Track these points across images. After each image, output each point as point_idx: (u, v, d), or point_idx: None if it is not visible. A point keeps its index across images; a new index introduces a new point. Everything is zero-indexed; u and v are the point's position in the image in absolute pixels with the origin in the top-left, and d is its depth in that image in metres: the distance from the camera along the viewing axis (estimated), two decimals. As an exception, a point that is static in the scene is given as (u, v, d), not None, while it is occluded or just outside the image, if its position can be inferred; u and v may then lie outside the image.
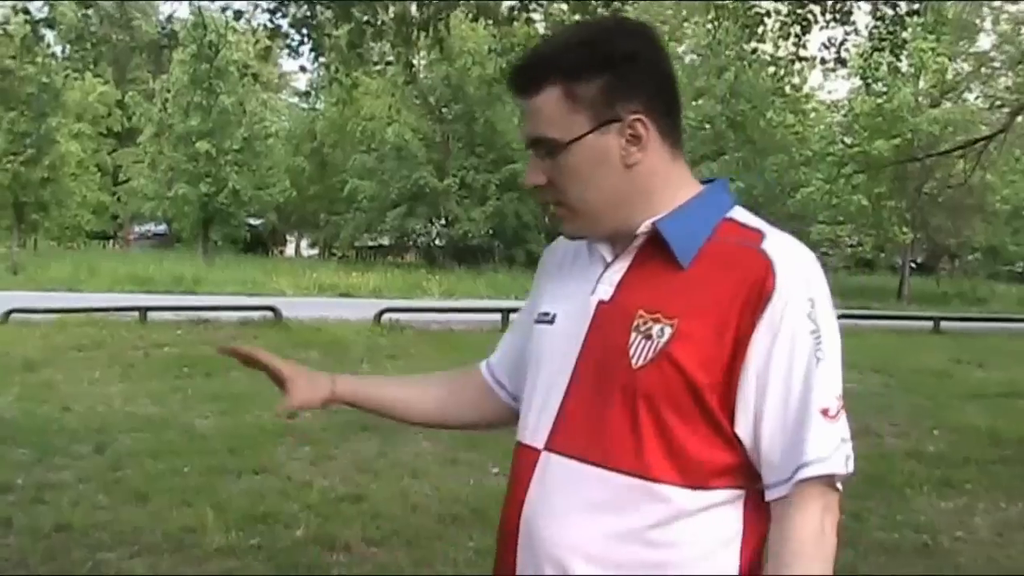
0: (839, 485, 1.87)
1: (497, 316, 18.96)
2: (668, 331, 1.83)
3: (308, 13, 10.39)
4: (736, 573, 1.87)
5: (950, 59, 42.30)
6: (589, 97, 1.88)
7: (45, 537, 6.64)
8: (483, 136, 48.34)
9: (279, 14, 10.65)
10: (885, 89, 35.32)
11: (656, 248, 1.92)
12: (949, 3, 22.49)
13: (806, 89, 46.40)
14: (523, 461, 1.96)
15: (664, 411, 1.82)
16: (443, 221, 49.36)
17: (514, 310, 7.79)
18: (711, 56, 41.30)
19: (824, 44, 13.14)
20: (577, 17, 11.51)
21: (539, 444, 1.93)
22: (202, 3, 12.59)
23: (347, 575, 6.14)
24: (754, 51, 14.21)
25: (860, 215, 40.21)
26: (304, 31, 10.55)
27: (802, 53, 13.27)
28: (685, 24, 47.46)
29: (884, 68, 15.30)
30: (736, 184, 39.58)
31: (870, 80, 26.66)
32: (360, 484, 8.25)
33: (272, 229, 63.03)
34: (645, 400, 1.82)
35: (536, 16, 12.33)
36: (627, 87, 1.91)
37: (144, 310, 20.45)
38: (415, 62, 10.59)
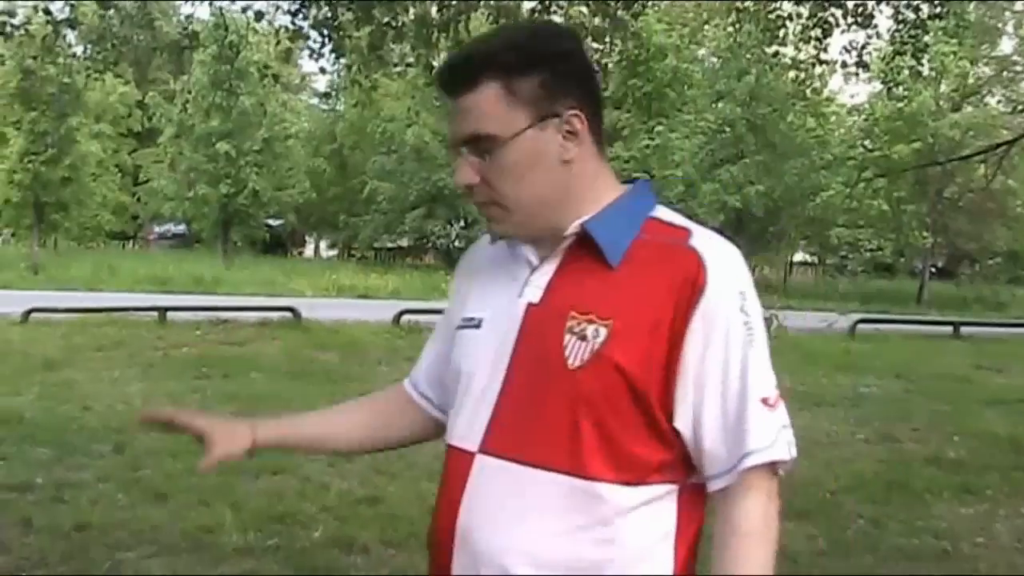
0: (781, 472, 1.93)
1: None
2: (603, 332, 1.86)
3: (329, 14, 10.41)
4: (672, 567, 1.91)
5: (972, 63, 42.18)
6: (528, 93, 1.91)
7: (65, 536, 6.65)
8: (503, 139, 48.31)
9: (300, 15, 10.68)
10: (906, 93, 35.23)
11: (584, 249, 1.94)
12: (972, 6, 22.37)
13: (827, 93, 46.32)
14: (456, 464, 1.96)
15: (601, 410, 1.85)
16: (462, 223, 49.33)
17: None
18: (732, 59, 41.24)
19: (845, 48, 13.10)
20: (597, 20, 11.52)
21: (473, 447, 1.93)
22: (223, 4, 12.62)
23: (365, 576, 6.15)
24: (775, 54, 14.17)
25: (880, 219, 40.16)
26: (325, 32, 10.58)
27: (823, 57, 13.24)
28: (706, 27, 47.37)
29: (905, 72, 15.22)
30: (756, 187, 39.56)
31: (891, 84, 26.61)
32: (378, 486, 8.25)
33: (291, 230, 63.11)
34: (582, 400, 1.85)
35: (556, 18, 12.33)
36: (563, 83, 1.94)
37: (163, 310, 20.48)
38: (435, 64, 10.59)
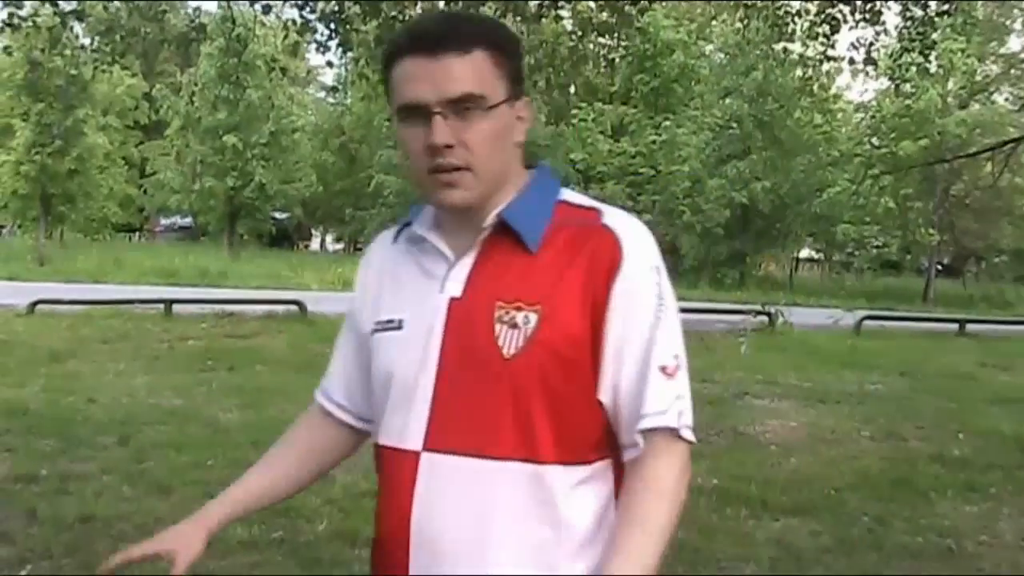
0: (687, 437, 1.94)
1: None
2: (534, 317, 1.89)
3: (336, 8, 10.42)
4: (609, 539, 1.93)
5: (979, 60, 42.13)
6: (508, 70, 1.98)
7: (69, 528, 6.66)
8: (509, 133, 48.28)
9: (308, 9, 10.68)
10: (913, 90, 35.20)
11: (501, 238, 1.98)
12: (979, 4, 22.33)
13: (834, 89, 46.32)
14: (398, 465, 1.97)
15: (542, 395, 1.88)
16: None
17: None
18: (739, 55, 41.20)
19: (853, 44, 13.10)
20: (605, 15, 11.52)
21: (415, 446, 1.94)
22: (231, -3, 12.63)
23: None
24: (783, 51, 14.16)
25: (886, 216, 40.09)
26: (332, 26, 10.58)
27: (831, 53, 13.23)
28: (713, 22, 47.31)
29: (913, 69, 15.21)
30: (762, 184, 39.56)
31: (898, 81, 26.56)
32: (382, 479, 8.24)
33: (298, 223, 63.22)
34: (523, 387, 1.88)
35: (564, 13, 12.33)
36: (522, 72, 2.05)
37: (169, 303, 20.49)
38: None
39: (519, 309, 1.90)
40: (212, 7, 46.90)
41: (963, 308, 33.50)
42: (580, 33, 11.90)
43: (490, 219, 1.96)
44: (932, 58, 17.49)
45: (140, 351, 15.25)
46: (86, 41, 14.57)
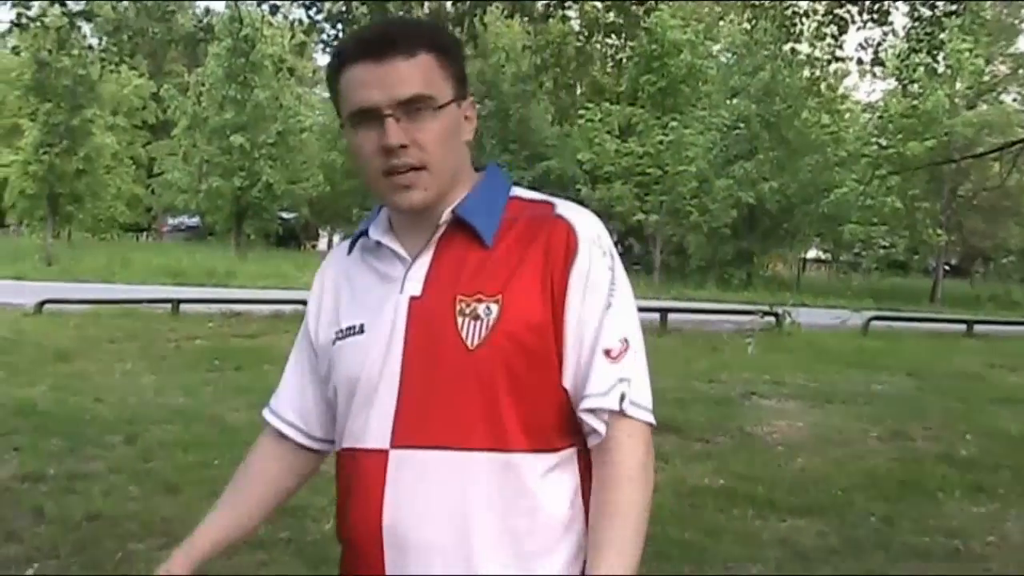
0: (635, 416, 1.95)
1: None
2: (495, 308, 1.92)
3: (343, 8, 10.42)
4: (583, 526, 1.96)
5: (987, 61, 42.07)
6: (452, 72, 2.02)
7: (76, 527, 6.67)
8: (517, 133, 48.25)
9: (314, 9, 10.69)
10: (921, 90, 35.15)
11: (456, 235, 2.01)
12: (988, 4, 22.31)
13: (841, 90, 46.22)
14: (365, 465, 1.97)
15: (508, 383, 1.91)
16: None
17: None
18: (746, 55, 41.15)
19: (861, 45, 13.08)
20: (612, 15, 11.51)
21: (382, 445, 1.94)
22: (238, -3, 12.67)
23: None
24: (791, 51, 14.15)
25: (894, 217, 40.04)
26: (339, 26, 10.58)
27: (838, 54, 13.21)
28: (721, 23, 47.25)
29: (920, 70, 15.18)
30: (769, 184, 39.55)
31: (906, 81, 26.55)
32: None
33: (305, 223, 63.22)
34: (488, 377, 1.90)
35: (571, 13, 12.34)
36: (465, 74, 2.09)
37: (176, 302, 20.53)
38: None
39: (480, 301, 1.92)
40: (220, 7, 47.02)
41: (971, 308, 33.45)
42: (587, 33, 11.89)
43: (445, 216, 1.99)
44: (940, 58, 17.48)
45: (147, 351, 15.27)
46: (94, 41, 14.58)
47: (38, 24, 10.77)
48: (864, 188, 37.28)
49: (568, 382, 1.95)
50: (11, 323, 17.82)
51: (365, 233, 2.11)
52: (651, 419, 1.95)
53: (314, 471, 2.34)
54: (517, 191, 2.11)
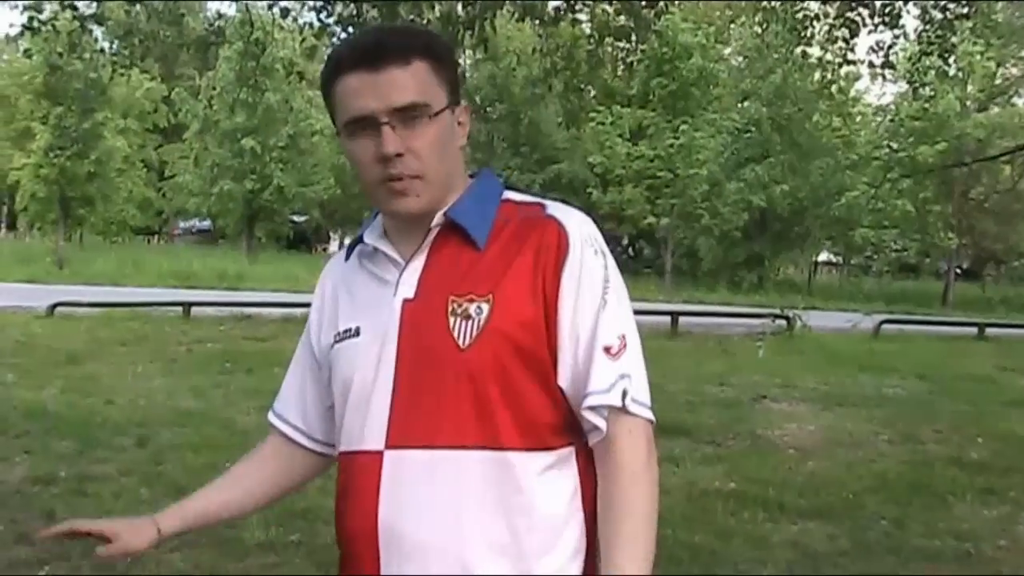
0: (636, 412, 1.96)
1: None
2: (486, 307, 1.94)
3: (354, 12, 10.42)
4: (581, 528, 1.98)
5: (999, 63, 41.98)
6: (446, 78, 2.03)
7: (87, 529, 6.67)
8: (528, 136, 48.27)
9: (325, 12, 10.69)
10: (932, 93, 35.07)
11: (449, 238, 2.02)
12: (1000, 5, 22.26)
13: (853, 93, 46.16)
14: (360, 467, 1.98)
15: (501, 381, 1.92)
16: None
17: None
18: (757, 58, 41.13)
19: (872, 48, 13.06)
20: (623, 19, 11.50)
21: (377, 446, 1.96)
22: (249, 0, 12.67)
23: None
24: (802, 54, 14.13)
25: (905, 220, 39.97)
26: (350, 29, 10.58)
27: (850, 57, 13.19)
28: (732, 26, 47.27)
29: (932, 72, 15.15)
30: (781, 187, 39.51)
31: (917, 84, 26.54)
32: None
33: (316, 226, 63.29)
34: (480, 375, 1.91)
35: (582, 16, 12.32)
36: (458, 80, 2.10)
37: (188, 305, 20.58)
38: (460, 62, 10.58)
39: (471, 301, 1.94)
40: (231, 11, 47.10)
41: (982, 312, 33.34)
42: (598, 37, 11.89)
43: (437, 219, 2.01)
44: (951, 61, 17.44)
45: (158, 353, 15.30)
46: (105, 45, 14.60)
47: (49, 28, 10.79)
48: (875, 191, 37.21)
49: (565, 381, 1.96)
50: (23, 326, 17.88)
51: (361, 239, 2.12)
52: (651, 415, 1.96)
53: (315, 474, 2.36)
54: (509, 194, 2.12)
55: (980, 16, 15.27)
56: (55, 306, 19.67)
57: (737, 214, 40.15)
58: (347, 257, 2.18)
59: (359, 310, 2.07)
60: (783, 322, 21.67)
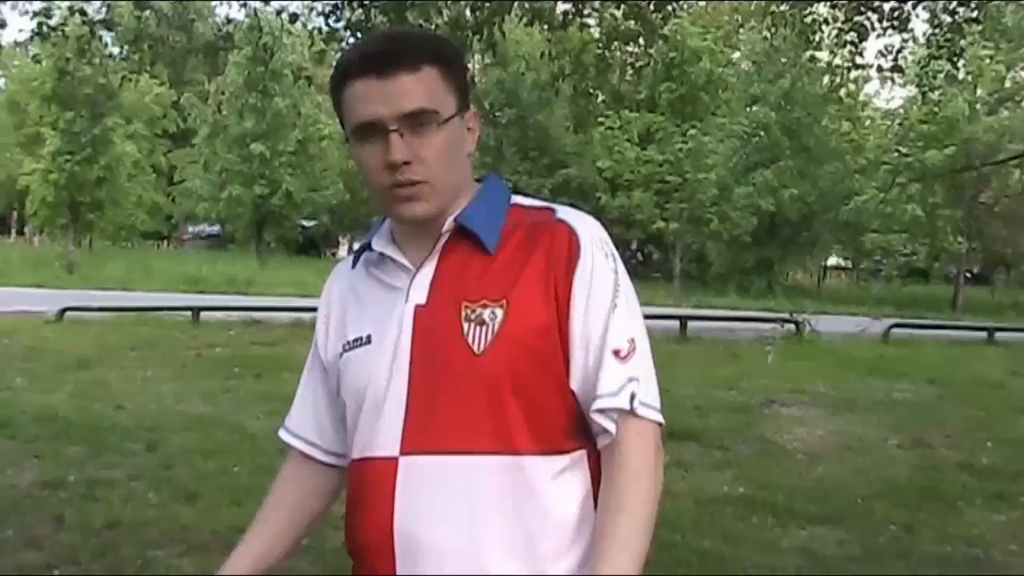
0: (644, 415, 1.95)
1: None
2: (500, 312, 1.93)
3: (363, 17, 10.42)
4: (593, 528, 1.96)
5: (1008, 67, 41.91)
6: (456, 84, 2.02)
7: (96, 534, 6.69)
8: (536, 141, 48.29)
9: (334, 18, 10.70)
10: (941, 97, 35.04)
11: (459, 244, 2.02)
12: (1009, 8, 22.26)
13: (862, 97, 46.13)
14: (375, 473, 1.98)
15: (515, 386, 1.92)
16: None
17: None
18: (766, 63, 41.11)
19: (881, 52, 13.04)
20: (632, 23, 11.50)
21: (392, 452, 1.95)
22: (257, 5, 12.70)
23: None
24: (811, 58, 14.12)
25: (914, 224, 39.88)
26: (359, 35, 10.59)
27: (858, 61, 13.17)
28: (741, 30, 47.25)
29: (941, 76, 15.15)
30: (789, 191, 39.50)
31: (926, 88, 26.54)
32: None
33: (325, 231, 63.34)
34: (495, 380, 1.91)
35: (591, 21, 12.32)
36: (467, 85, 2.10)
37: (197, 310, 20.61)
38: (469, 66, 10.58)
39: (485, 306, 1.93)
40: (241, 16, 47.18)
41: (992, 316, 33.31)
42: (606, 41, 11.89)
43: (447, 225, 2.00)
44: (960, 65, 17.43)
45: (168, 358, 15.32)
46: (115, 50, 14.64)
47: (59, 33, 10.81)
48: (884, 195, 37.19)
49: (576, 384, 1.96)
50: (33, 331, 17.90)
51: (368, 246, 2.12)
52: (660, 418, 1.96)
53: (340, 488, 2.33)
54: (517, 199, 2.12)
55: (989, 20, 15.27)
56: (64, 311, 19.70)
57: (746, 218, 40.13)
58: (353, 264, 2.17)
59: (368, 318, 2.06)
60: (792, 327, 21.65)
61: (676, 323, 21.17)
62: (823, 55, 14.38)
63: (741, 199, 39.81)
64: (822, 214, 42.28)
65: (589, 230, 2.02)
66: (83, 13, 10.63)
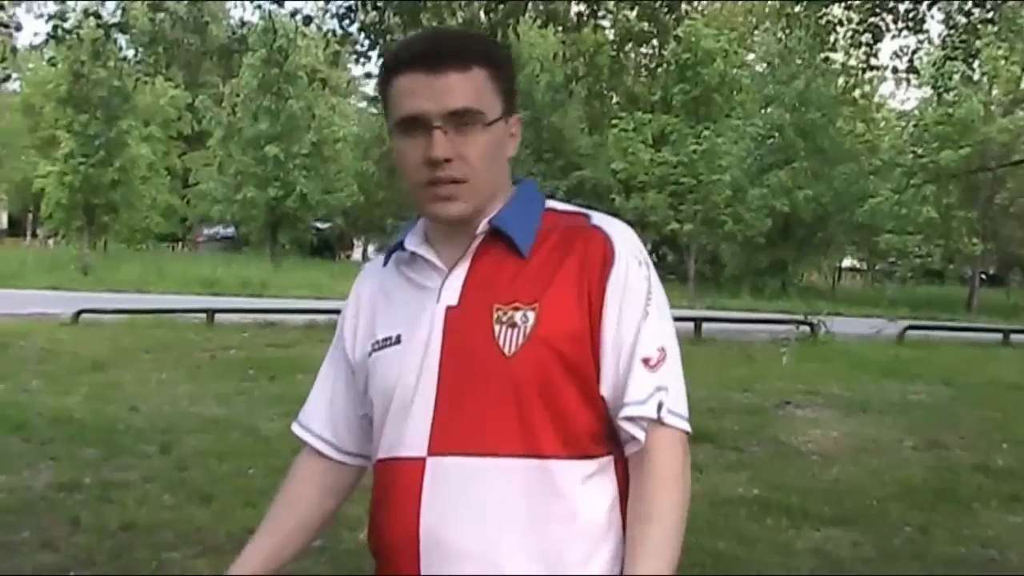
0: (672, 424, 1.96)
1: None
2: (532, 315, 1.93)
3: (377, 19, 10.43)
4: (620, 534, 1.96)
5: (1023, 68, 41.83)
6: (504, 88, 2.03)
7: (111, 535, 6.70)
8: (551, 142, 48.23)
9: (348, 20, 10.70)
10: (956, 98, 34.96)
11: (493, 246, 2.02)
12: (1024, 10, 22.21)
13: (876, 98, 46.04)
14: (402, 473, 1.97)
15: (545, 390, 1.92)
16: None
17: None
18: (781, 64, 41.05)
19: (896, 53, 13.02)
20: (645, 25, 11.49)
21: (420, 453, 1.94)
22: (271, 7, 12.71)
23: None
24: (826, 59, 14.10)
25: (929, 225, 39.81)
26: (372, 37, 10.59)
27: (873, 62, 13.15)
28: (755, 32, 47.17)
29: (956, 77, 15.12)
30: (804, 193, 39.45)
31: (941, 89, 26.46)
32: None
33: (339, 233, 63.42)
34: (524, 383, 1.91)
35: (605, 23, 12.31)
36: (515, 90, 2.10)
37: (211, 312, 20.65)
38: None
39: (516, 309, 1.93)
40: (255, 18, 47.20)
41: (1007, 318, 33.22)
42: (620, 42, 11.88)
43: (482, 227, 2.00)
44: (975, 66, 17.39)
45: (182, 360, 15.34)
46: (130, 53, 14.66)
47: (74, 36, 10.83)
48: (899, 197, 37.12)
49: (606, 391, 1.96)
50: (48, 332, 17.95)
51: (400, 245, 2.11)
52: (688, 427, 1.96)
53: (351, 488, 2.34)
54: (551, 203, 2.12)
55: (1004, 21, 15.22)
56: (80, 313, 19.75)
57: (760, 220, 40.07)
58: (385, 263, 2.17)
59: (399, 317, 2.06)
60: (807, 328, 21.63)
61: (691, 325, 21.16)
62: (838, 56, 14.36)
63: (755, 200, 39.76)
64: (837, 215, 42.21)
65: (624, 237, 2.03)
66: (98, 16, 10.66)
